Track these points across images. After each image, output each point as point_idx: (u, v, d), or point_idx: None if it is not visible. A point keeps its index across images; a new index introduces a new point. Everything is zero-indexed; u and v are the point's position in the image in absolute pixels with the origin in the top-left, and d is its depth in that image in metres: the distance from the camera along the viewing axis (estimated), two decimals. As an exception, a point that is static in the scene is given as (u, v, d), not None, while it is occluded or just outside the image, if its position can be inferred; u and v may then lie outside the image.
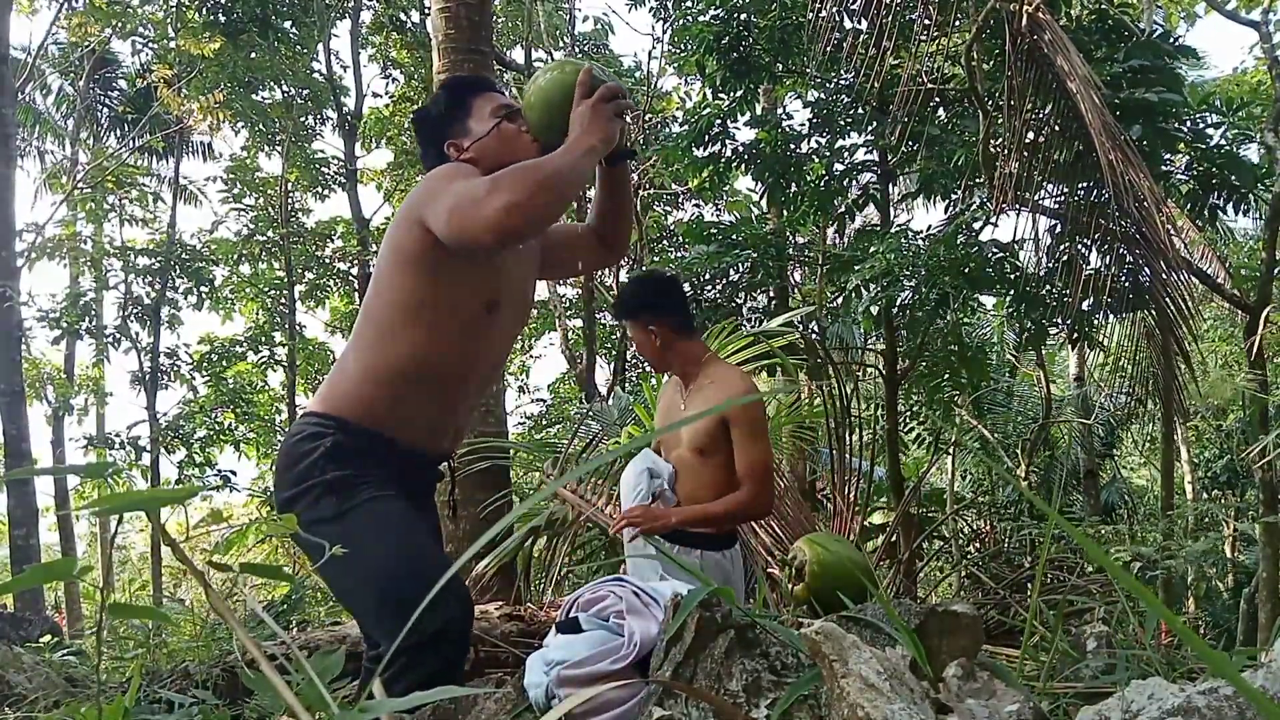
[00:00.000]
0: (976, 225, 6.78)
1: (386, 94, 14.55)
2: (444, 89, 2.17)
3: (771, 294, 8.58)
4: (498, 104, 2.07)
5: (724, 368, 2.91)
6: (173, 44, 12.51)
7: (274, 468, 2.01)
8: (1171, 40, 6.18)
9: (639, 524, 2.69)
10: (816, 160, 7.25)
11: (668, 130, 11.65)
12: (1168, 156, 6.10)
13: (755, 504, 2.72)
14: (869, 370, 8.42)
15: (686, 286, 7.46)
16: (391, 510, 1.86)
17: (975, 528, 8.65)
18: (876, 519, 8.44)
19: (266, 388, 15.21)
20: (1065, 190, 5.99)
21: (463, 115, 2.06)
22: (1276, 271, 6.93)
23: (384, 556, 1.79)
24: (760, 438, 2.75)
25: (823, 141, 7.25)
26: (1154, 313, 5.77)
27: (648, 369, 6.92)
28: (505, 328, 2.07)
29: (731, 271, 7.51)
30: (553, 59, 14.24)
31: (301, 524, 1.85)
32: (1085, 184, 5.70)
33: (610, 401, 7.27)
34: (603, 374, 13.53)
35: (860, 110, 7.01)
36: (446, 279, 1.88)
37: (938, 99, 6.60)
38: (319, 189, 15.20)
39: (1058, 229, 6.28)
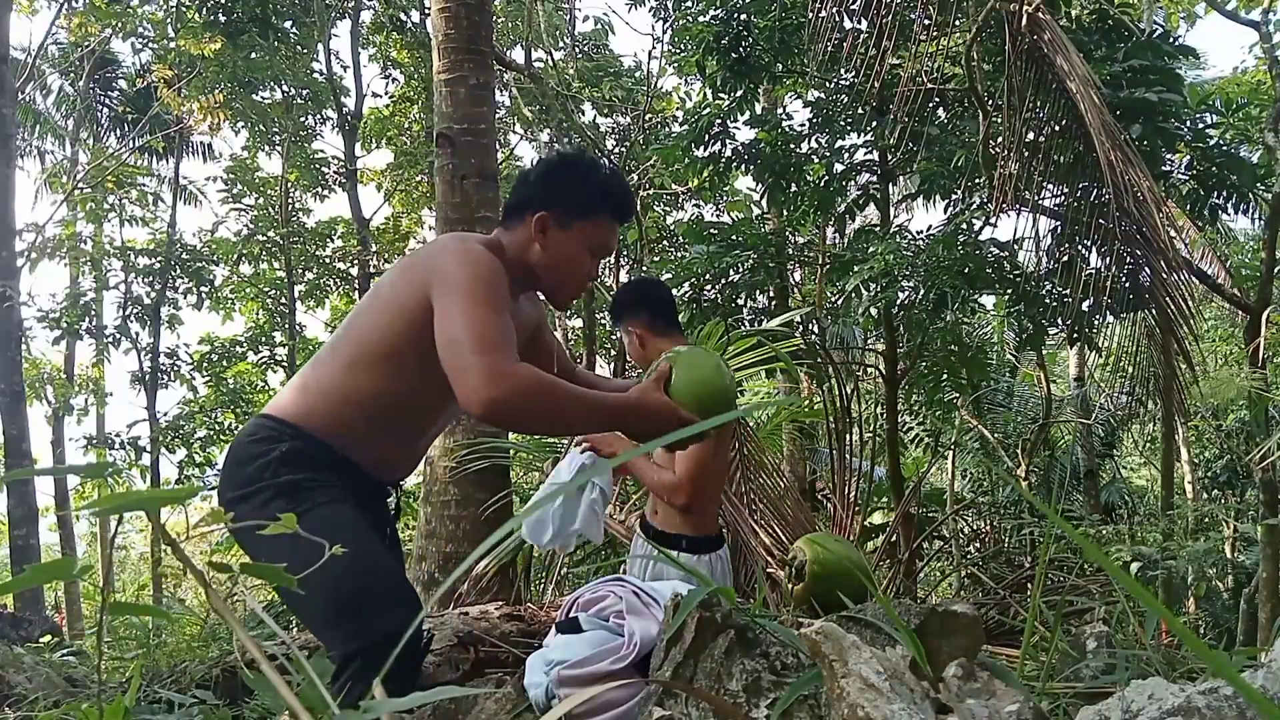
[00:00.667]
0: (976, 225, 6.79)
1: (386, 94, 14.58)
2: (601, 184, 2.01)
3: (771, 294, 8.58)
4: (608, 240, 2.02)
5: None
6: (173, 44, 12.51)
7: (222, 463, 1.99)
8: (1171, 40, 6.18)
9: (591, 442, 2.75)
10: (816, 160, 7.25)
11: (668, 130, 11.66)
12: (1168, 156, 6.10)
13: (674, 482, 2.74)
14: (869, 370, 8.42)
15: (686, 286, 7.46)
16: (343, 516, 1.84)
17: (975, 528, 8.64)
18: (876, 519, 8.44)
19: (266, 388, 15.20)
20: (1065, 190, 5.99)
21: (583, 213, 1.97)
22: (1276, 271, 6.93)
23: (334, 562, 1.78)
24: None
25: (823, 141, 7.24)
26: (1154, 313, 5.76)
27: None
28: None
29: (731, 271, 7.51)
30: (552, 60, 14.23)
31: (242, 518, 1.83)
32: (1085, 184, 5.70)
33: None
34: (603, 374, 13.54)
35: (860, 110, 7.00)
36: (432, 338, 1.83)
37: (937, 99, 6.60)
38: (319, 189, 15.20)
39: (1058, 229, 6.28)
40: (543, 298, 2.21)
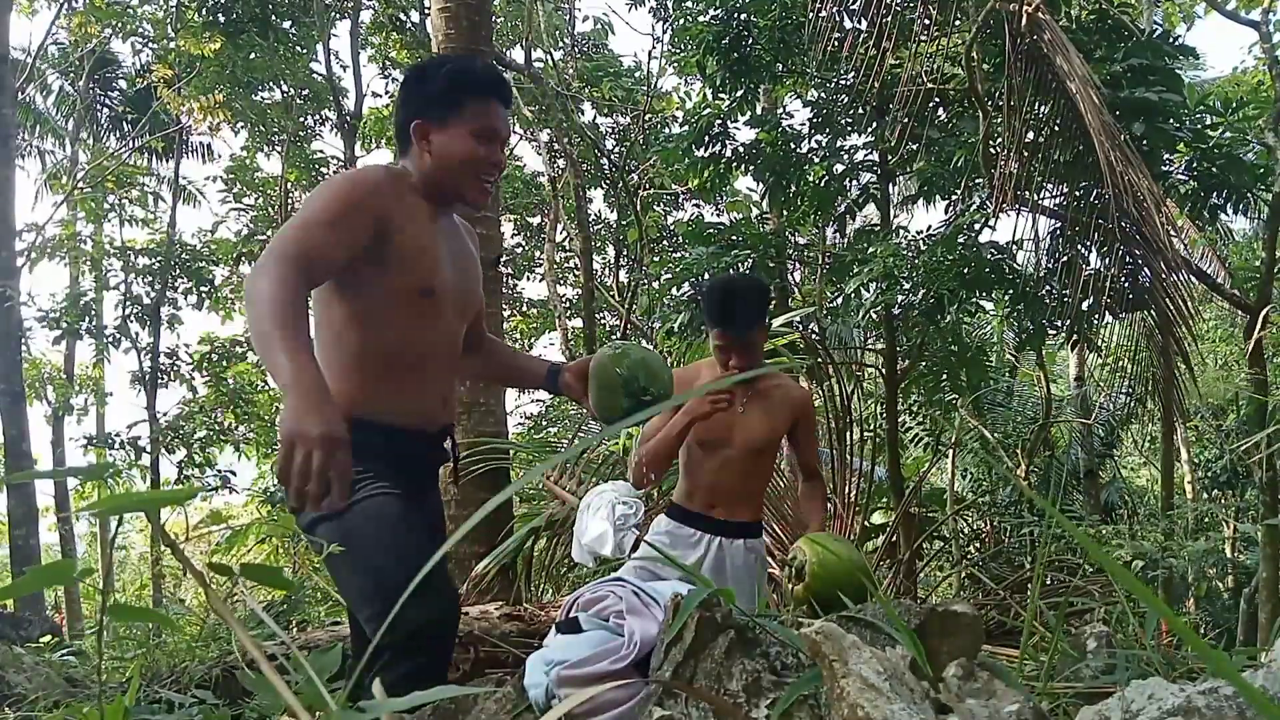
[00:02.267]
0: (976, 227, 6.78)
1: (386, 94, 14.56)
2: (450, 73, 2.01)
3: (771, 294, 8.56)
4: (488, 120, 2.01)
5: (781, 374, 3.14)
6: (173, 44, 12.50)
7: None
8: (1171, 40, 6.18)
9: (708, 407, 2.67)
10: (816, 160, 7.24)
11: (668, 130, 11.66)
12: (1168, 156, 6.10)
13: (821, 481, 3.11)
14: (869, 370, 8.42)
15: (686, 287, 7.47)
16: (388, 506, 1.89)
17: (975, 528, 8.64)
18: (876, 519, 8.43)
19: (266, 388, 15.19)
20: (1065, 190, 5.98)
21: (448, 106, 1.99)
22: (1277, 271, 6.93)
23: (375, 553, 1.84)
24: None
25: (823, 141, 7.24)
26: (1154, 313, 5.76)
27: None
28: (449, 312, 2.08)
29: (731, 272, 7.49)
30: (552, 60, 14.23)
31: (305, 520, 1.89)
32: (1085, 184, 5.70)
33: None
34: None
35: (860, 110, 7.00)
36: (373, 271, 1.91)
37: (937, 99, 6.59)
38: (318, 189, 15.19)
39: (1058, 229, 6.28)
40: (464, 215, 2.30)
